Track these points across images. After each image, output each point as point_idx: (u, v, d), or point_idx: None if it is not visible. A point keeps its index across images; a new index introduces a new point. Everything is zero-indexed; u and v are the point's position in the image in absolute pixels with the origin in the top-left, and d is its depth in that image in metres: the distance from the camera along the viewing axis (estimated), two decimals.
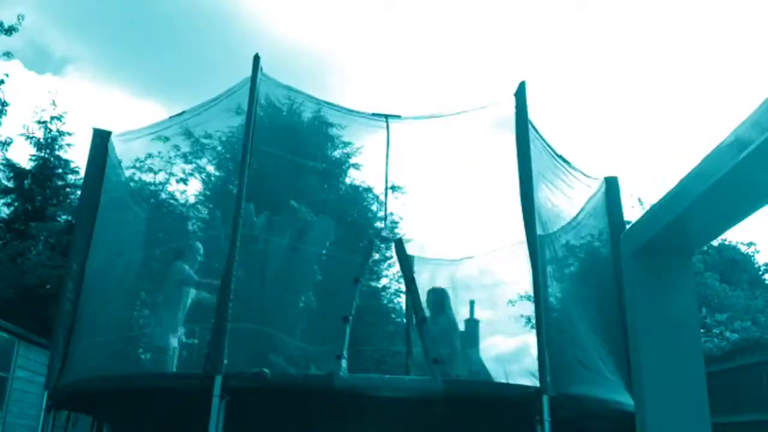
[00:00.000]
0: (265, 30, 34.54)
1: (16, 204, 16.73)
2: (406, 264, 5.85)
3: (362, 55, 37.63)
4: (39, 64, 34.88)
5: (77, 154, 17.19)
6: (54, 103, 17.22)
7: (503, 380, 6.79)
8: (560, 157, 6.39)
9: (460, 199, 7.55)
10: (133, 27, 32.94)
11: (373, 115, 6.80)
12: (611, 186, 6.71)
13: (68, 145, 17.23)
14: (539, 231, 5.46)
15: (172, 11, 34.61)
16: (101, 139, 6.39)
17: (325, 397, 4.99)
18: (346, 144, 11.17)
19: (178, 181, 9.08)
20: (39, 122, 17.02)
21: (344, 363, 5.13)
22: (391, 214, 7.86)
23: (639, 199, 16.45)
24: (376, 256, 10.95)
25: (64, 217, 16.27)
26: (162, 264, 6.68)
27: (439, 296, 6.70)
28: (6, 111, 15.77)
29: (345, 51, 35.93)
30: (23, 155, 17.21)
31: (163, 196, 8.88)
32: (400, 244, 5.98)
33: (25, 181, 16.76)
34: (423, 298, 6.11)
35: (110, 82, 36.62)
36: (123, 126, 6.75)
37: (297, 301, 6.82)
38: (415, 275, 6.14)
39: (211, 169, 9.82)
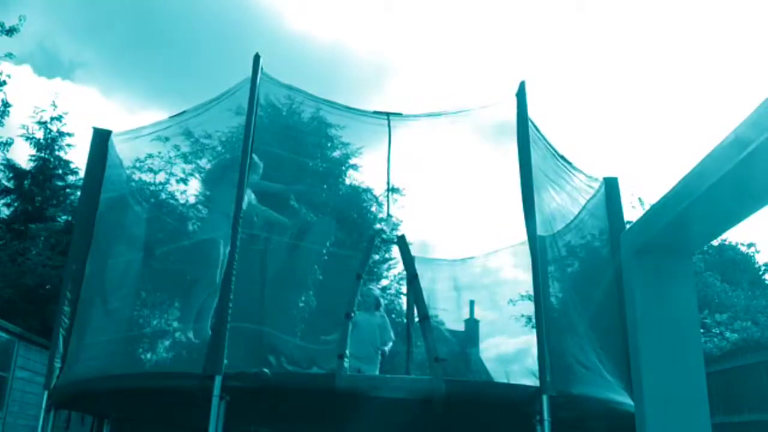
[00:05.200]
0: (268, 32, 34.55)
1: (16, 204, 16.73)
2: (409, 261, 5.84)
3: (363, 57, 37.63)
4: (48, 69, 34.90)
5: (78, 155, 17.21)
6: (54, 104, 17.23)
7: (504, 380, 6.80)
8: (562, 157, 6.40)
9: (461, 199, 7.56)
10: (142, 30, 33.01)
11: (374, 113, 6.79)
12: (611, 186, 6.71)
13: (68, 146, 17.24)
14: (540, 231, 5.46)
15: (178, 15, 34.65)
16: (101, 139, 6.39)
17: (325, 396, 4.99)
18: (346, 144, 11.16)
19: (178, 181, 9.07)
20: (39, 123, 17.03)
21: (346, 362, 5.13)
22: (390, 216, 7.86)
23: (639, 199, 16.44)
24: (377, 257, 10.95)
25: (63, 217, 16.27)
26: (162, 264, 6.68)
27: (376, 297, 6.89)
28: (9, 112, 15.79)
29: (345, 52, 35.95)
30: (24, 156, 17.23)
31: (163, 196, 8.87)
32: (403, 241, 5.97)
33: (25, 182, 16.76)
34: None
35: (118, 86, 36.73)
36: (128, 128, 6.74)
37: (297, 300, 6.82)
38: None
39: None
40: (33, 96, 31.22)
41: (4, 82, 15.61)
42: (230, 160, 6.38)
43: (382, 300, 7.01)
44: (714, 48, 37.95)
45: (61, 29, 32.27)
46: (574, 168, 6.55)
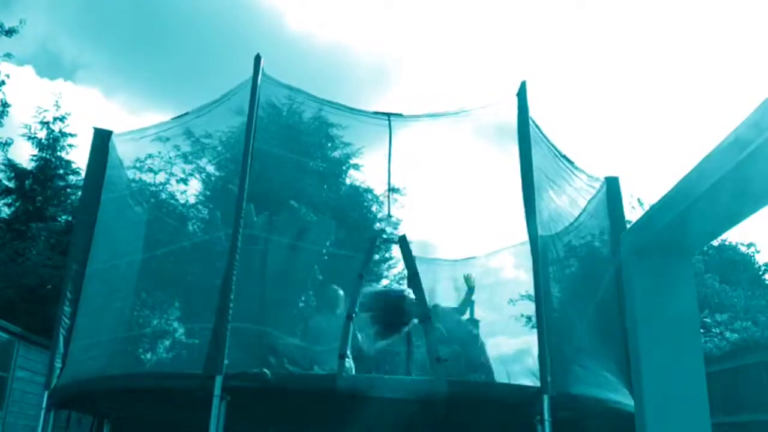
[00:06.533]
0: (269, 33, 34.57)
1: (17, 204, 16.74)
2: (410, 260, 5.84)
3: (364, 57, 37.64)
4: (51, 70, 34.92)
5: (79, 156, 17.21)
6: (57, 104, 17.24)
7: (505, 380, 6.79)
8: (564, 157, 6.39)
9: (462, 199, 7.56)
10: (143, 31, 33.02)
11: (375, 113, 6.79)
12: (612, 186, 6.70)
13: (70, 146, 17.25)
14: (541, 231, 5.45)
15: (179, 16, 34.68)
16: (102, 139, 6.40)
17: (325, 397, 4.98)
18: (347, 144, 11.17)
19: (178, 182, 9.08)
20: (42, 123, 17.04)
21: (347, 363, 5.12)
22: (391, 216, 7.86)
23: (639, 200, 16.44)
24: (377, 257, 10.95)
25: (64, 217, 16.28)
26: (162, 264, 6.68)
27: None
28: (8, 112, 15.84)
29: (346, 53, 35.96)
30: (26, 155, 17.25)
31: (164, 196, 8.87)
32: (404, 241, 5.98)
33: (26, 182, 16.76)
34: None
35: (120, 86, 36.76)
36: (130, 129, 6.76)
37: (297, 300, 6.82)
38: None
39: (211, 169, 9.82)
40: (35, 97, 31.24)
41: (3, 82, 15.67)
42: None
43: (342, 300, 6.26)
44: (714, 48, 37.95)
45: (63, 31, 32.34)
46: (576, 168, 6.55)
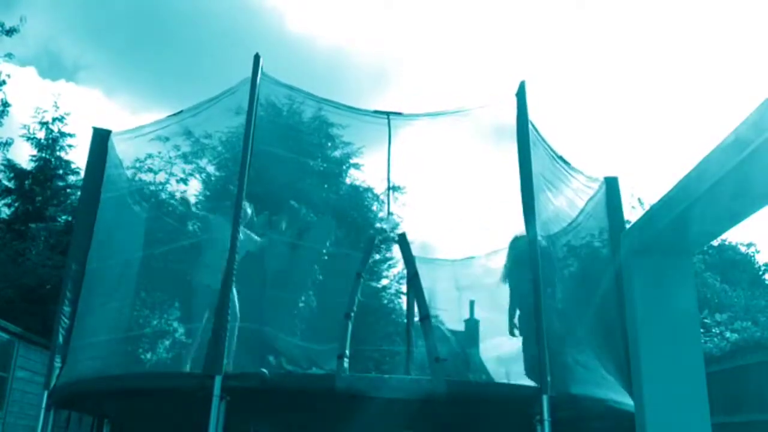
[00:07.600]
0: (270, 34, 34.57)
1: (16, 204, 16.73)
2: (410, 259, 5.83)
3: (365, 58, 37.65)
4: (53, 71, 34.95)
5: (79, 156, 17.19)
6: (56, 105, 17.23)
7: (504, 380, 6.79)
8: (561, 158, 6.39)
9: (462, 199, 7.55)
10: (145, 32, 33.04)
11: (375, 112, 6.79)
12: (611, 186, 6.70)
13: (69, 146, 17.23)
14: (541, 232, 5.44)
15: (181, 17, 34.69)
16: (101, 139, 6.38)
17: (325, 396, 4.98)
18: (347, 144, 11.16)
19: (178, 181, 9.08)
20: (41, 123, 17.03)
21: (346, 362, 5.12)
22: (392, 214, 7.86)
23: (639, 199, 16.41)
24: (377, 256, 10.94)
25: (64, 217, 16.26)
26: (162, 264, 6.67)
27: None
28: (8, 111, 15.84)
29: (347, 53, 35.98)
30: (25, 156, 17.24)
31: (163, 196, 8.87)
32: (403, 240, 5.97)
33: (26, 182, 16.75)
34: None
35: (121, 87, 36.80)
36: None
37: (297, 300, 6.82)
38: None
39: (211, 169, 9.82)
40: (37, 98, 31.30)
41: (4, 82, 15.67)
42: None
43: None
44: (714, 48, 37.96)
45: (65, 32, 32.39)
46: (573, 169, 6.54)
